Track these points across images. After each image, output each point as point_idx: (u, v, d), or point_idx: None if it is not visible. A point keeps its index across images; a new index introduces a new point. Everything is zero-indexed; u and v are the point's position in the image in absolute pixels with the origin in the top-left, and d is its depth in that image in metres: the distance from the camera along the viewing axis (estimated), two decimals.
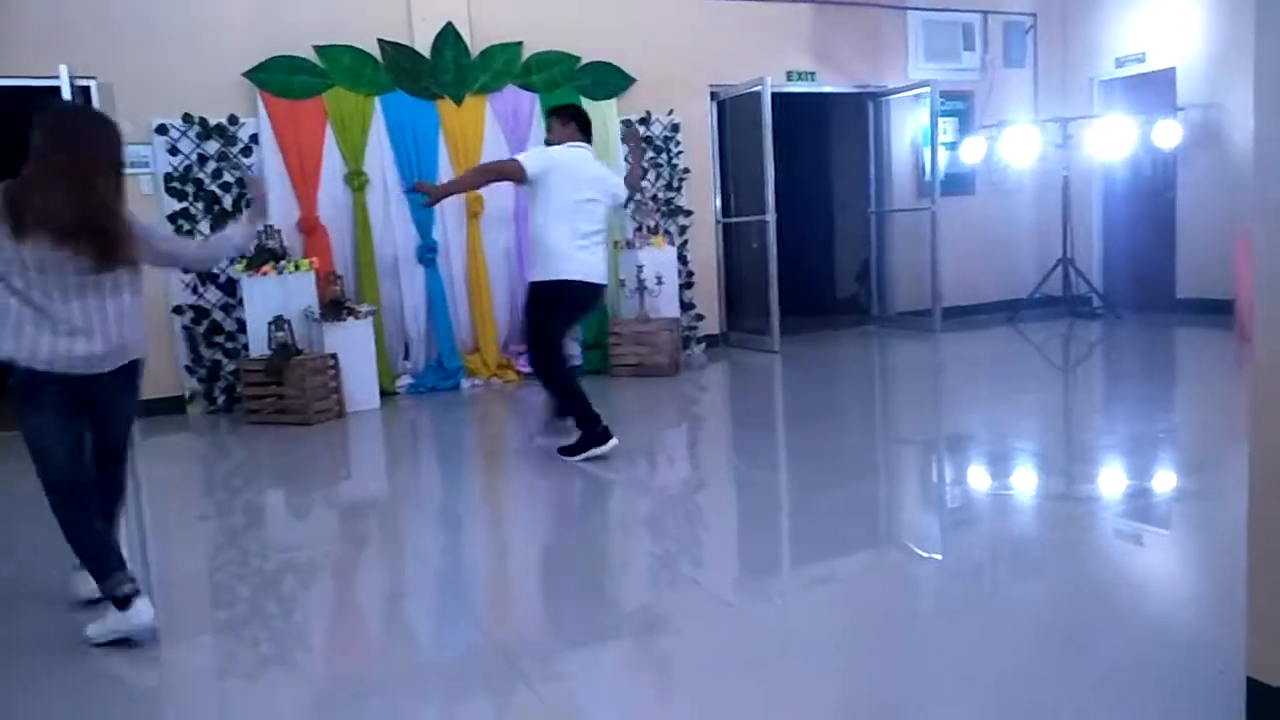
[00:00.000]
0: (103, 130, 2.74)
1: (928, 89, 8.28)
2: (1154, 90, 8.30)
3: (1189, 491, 3.78)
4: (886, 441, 5.07)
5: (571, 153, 4.42)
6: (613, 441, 4.45)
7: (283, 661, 2.64)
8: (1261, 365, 1.78)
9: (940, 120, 8.48)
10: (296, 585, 3.22)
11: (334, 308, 6.04)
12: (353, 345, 6.03)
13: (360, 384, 6.05)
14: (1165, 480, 3.99)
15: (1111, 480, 3.96)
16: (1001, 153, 8.71)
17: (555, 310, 4.42)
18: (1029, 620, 2.59)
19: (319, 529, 4.00)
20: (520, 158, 4.38)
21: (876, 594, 2.89)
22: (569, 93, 7.04)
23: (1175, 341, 7.51)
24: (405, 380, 6.63)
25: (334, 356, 5.91)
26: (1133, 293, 8.69)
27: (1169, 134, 8.00)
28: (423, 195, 4.38)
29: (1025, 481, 4.04)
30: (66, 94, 5.40)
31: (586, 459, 4.44)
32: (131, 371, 2.85)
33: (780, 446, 5.04)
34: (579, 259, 4.33)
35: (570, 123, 4.54)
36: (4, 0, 5.69)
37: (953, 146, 8.83)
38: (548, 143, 4.57)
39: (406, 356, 6.73)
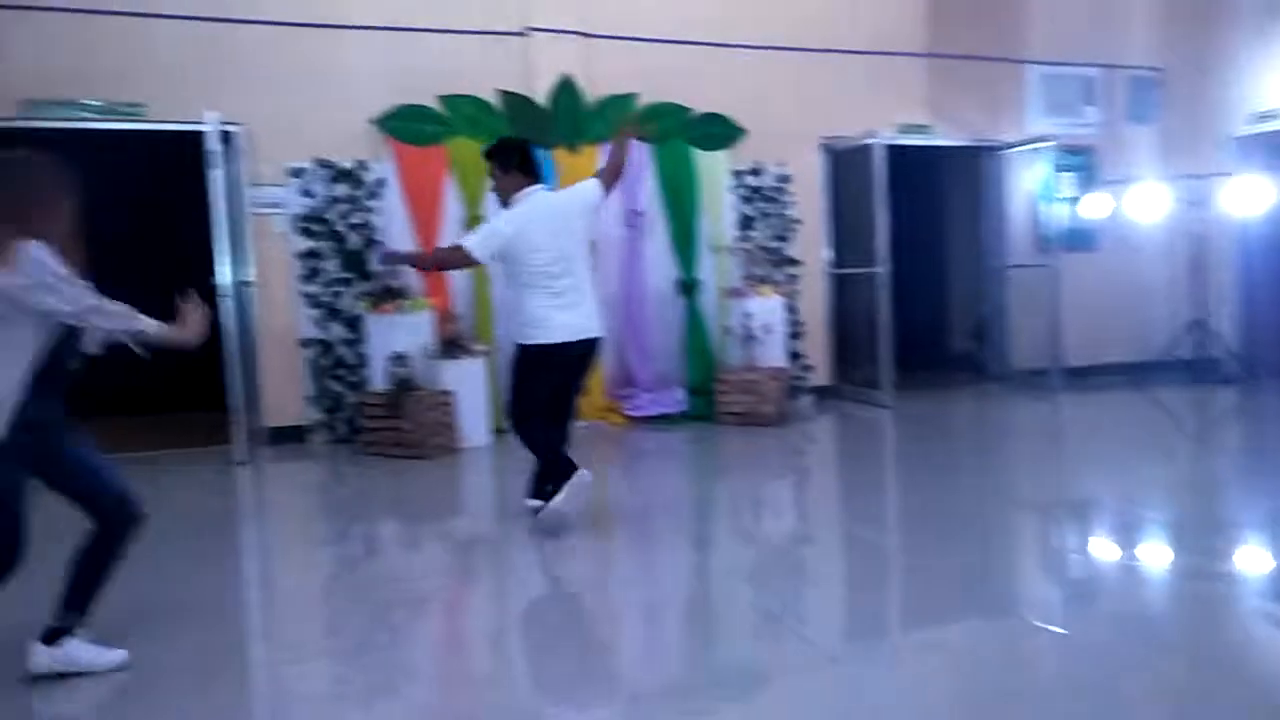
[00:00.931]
0: None
1: (1047, 143, 8.08)
2: None
3: None
4: (1004, 504, 4.88)
5: (525, 209, 4.03)
6: (583, 472, 4.04)
7: (389, 690, 2.69)
8: None
9: (1060, 175, 8.25)
10: (406, 615, 3.29)
11: (451, 346, 6.22)
12: (467, 383, 6.19)
13: (474, 421, 6.20)
14: None
15: (1252, 558, 3.72)
16: (1127, 209, 8.41)
17: (537, 372, 4.06)
18: (1157, 706, 2.44)
19: (430, 561, 4.08)
20: (468, 243, 4.02)
21: (991, 664, 2.77)
22: (680, 143, 7.15)
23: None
24: None
25: (449, 393, 6.07)
26: (1272, 357, 8.20)
27: None
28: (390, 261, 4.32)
29: (1156, 554, 3.83)
30: (214, 139, 5.76)
31: (566, 499, 4.01)
32: None
33: (890, 504, 4.91)
34: (559, 321, 3.98)
35: (511, 169, 4.09)
36: (159, 52, 6.14)
37: (1073, 202, 8.57)
38: (499, 197, 4.16)
39: None
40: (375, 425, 6.00)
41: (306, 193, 6.45)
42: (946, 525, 4.22)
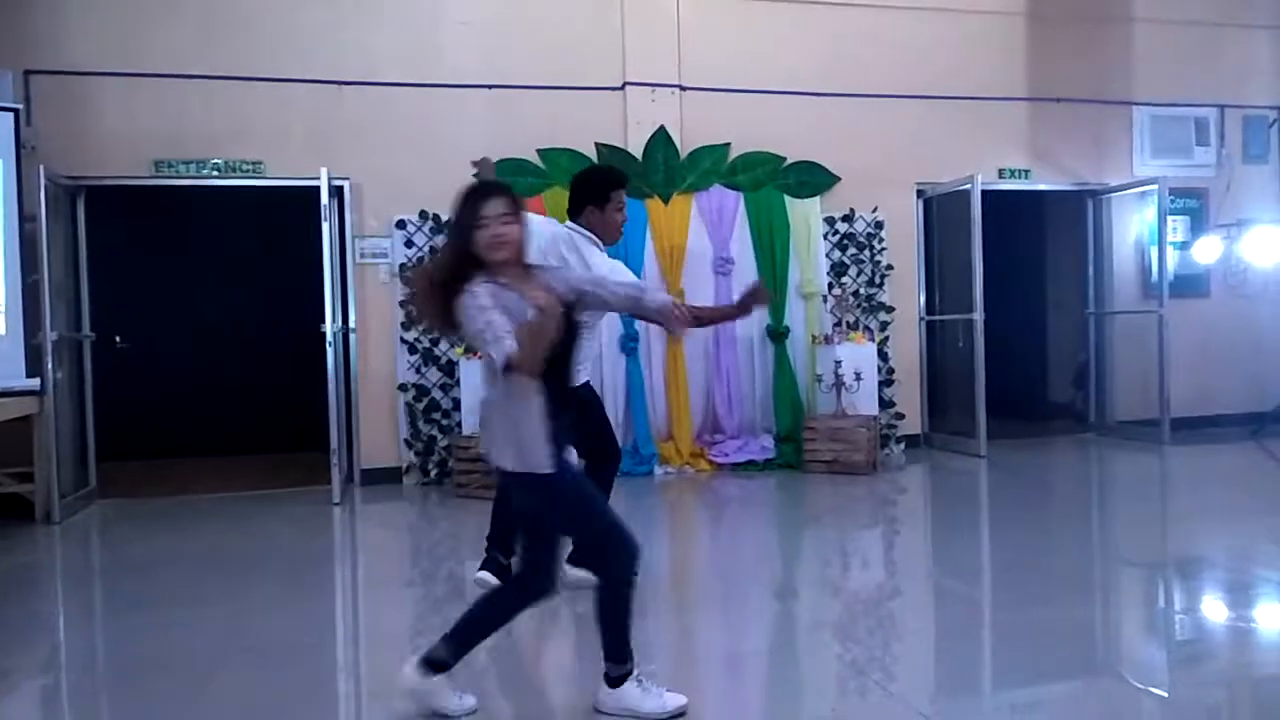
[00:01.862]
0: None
1: (1154, 186, 7.83)
2: None
3: None
4: (1105, 560, 4.68)
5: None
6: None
7: None
8: None
9: (1169, 219, 7.96)
10: (486, 658, 3.34)
11: None
12: None
13: None
14: None
15: None
16: (1242, 253, 8.05)
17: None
18: None
19: None
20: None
21: None
22: (772, 191, 7.20)
23: None
24: None
25: None
26: None
27: None
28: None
29: (1266, 615, 3.61)
30: (324, 193, 6.08)
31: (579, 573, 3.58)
32: None
33: (984, 557, 4.76)
34: None
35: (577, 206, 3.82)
36: (276, 113, 6.54)
37: (1183, 246, 8.25)
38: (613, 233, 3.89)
39: None
40: (465, 468, 6.14)
41: (409, 243, 6.72)
42: (1042, 580, 4.07)
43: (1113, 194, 8.26)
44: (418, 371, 6.70)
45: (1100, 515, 5.88)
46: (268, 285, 8.31)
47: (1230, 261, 8.20)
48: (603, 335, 6.88)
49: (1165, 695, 2.92)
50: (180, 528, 5.58)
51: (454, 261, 2.58)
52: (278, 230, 7.71)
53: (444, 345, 6.68)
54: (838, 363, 6.83)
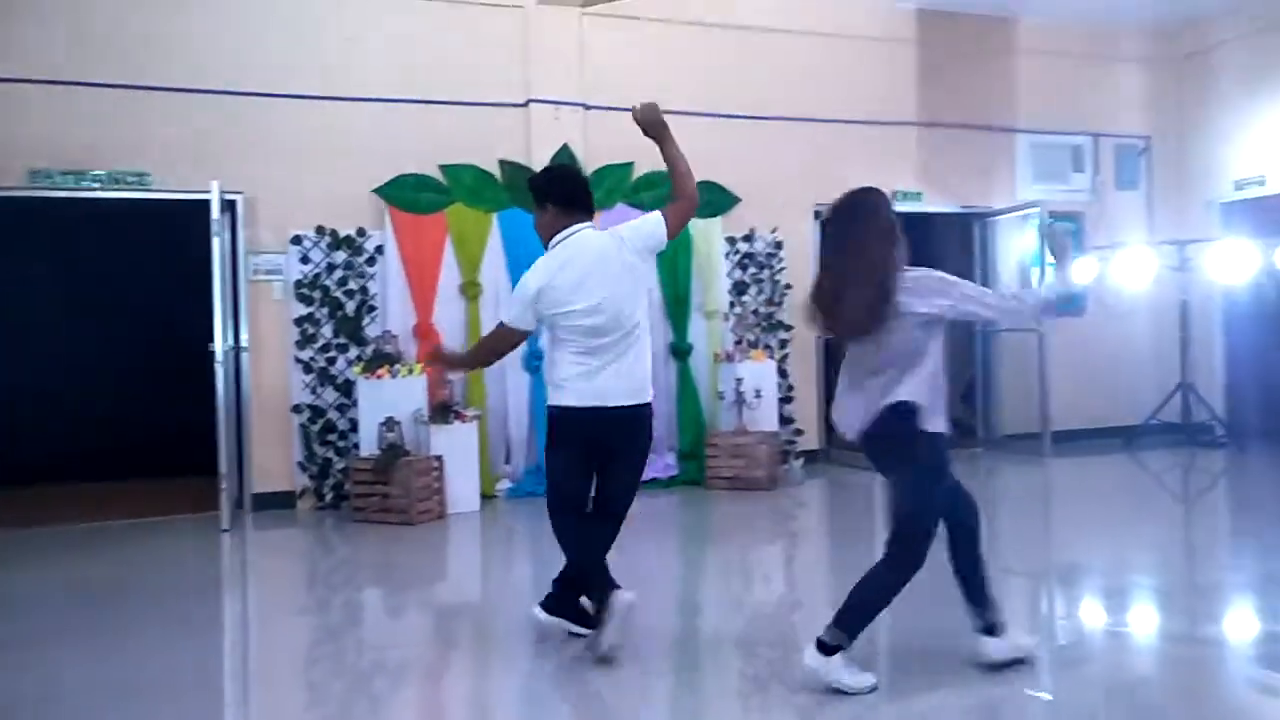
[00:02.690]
0: None
1: (1036, 210, 8.23)
2: (1277, 214, 8.03)
3: None
4: (994, 570, 4.85)
5: (558, 254, 3.42)
6: (621, 593, 3.34)
7: None
8: None
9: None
10: (387, 686, 3.26)
11: (442, 411, 6.25)
12: (457, 448, 6.20)
13: (463, 486, 6.20)
14: None
15: (1240, 623, 3.70)
16: (1114, 275, 8.52)
17: (557, 443, 3.47)
18: None
19: (413, 630, 4.05)
20: (506, 318, 3.49)
21: None
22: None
23: None
24: (505, 484, 6.75)
25: (439, 458, 6.08)
26: (1258, 421, 8.22)
27: None
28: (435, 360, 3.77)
29: (1143, 619, 3.81)
30: (216, 207, 5.87)
31: (552, 620, 3.54)
32: None
33: None
34: (582, 385, 3.35)
35: (546, 205, 3.52)
36: (164, 123, 6.29)
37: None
38: (541, 239, 3.59)
39: (508, 461, 6.87)
40: (363, 491, 5.99)
41: (305, 259, 6.55)
42: (934, 590, 4.20)
43: (997, 217, 8.65)
44: (313, 392, 6.52)
45: (988, 526, 6.11)
46: (155, 302, 7.96)
47: (1103, 282, 8.67)
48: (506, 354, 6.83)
49: (1048, 698, 3.05)
50: (49, 560, 5.25)
51: (891, 256, 2.98)
52: (166, 245, 7.40)
53: (341, 364, 6.52)
54: (739, 380, 6.94)
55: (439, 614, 4.29)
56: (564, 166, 3.92)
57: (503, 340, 3.55)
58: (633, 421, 3.41)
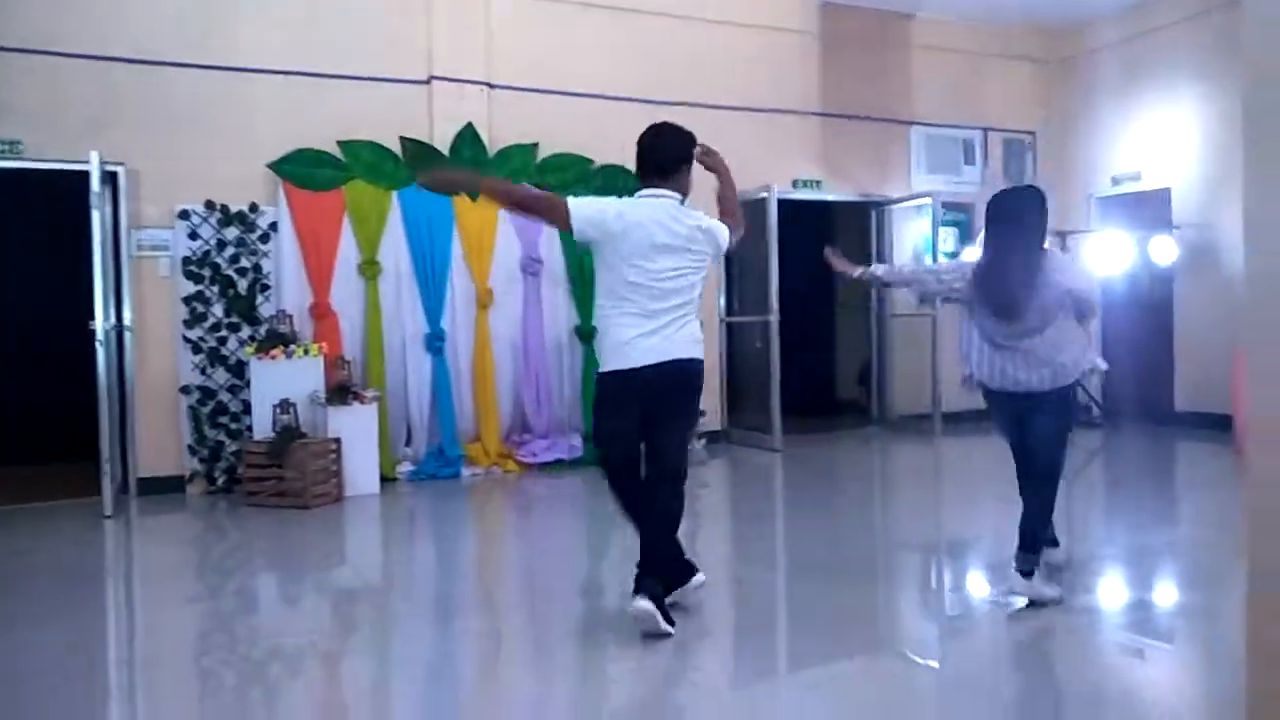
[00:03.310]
0: None
1: (929, 200, 8.51)
2: (1150, 208, 8.51)
3: (1190, 607, 3.75)
4: (886, 546, 5.04)
5: (640, 206, 3.42)
6: (699, 576, 3.57)
7: None
8: (1254, 486, 1.81)
9: (941, 230, 8.68)
10: (283, 673, 3.18)
11: (340, 392, 6.10)
12: (356, 430, 6.07)
13: (361, 469, 6.07)
14: (1166, 594, 3.96)
15: (1111, 592, 3.93)
16: None
17: (606, 406, 3.42)
18: None
19: (308, 616, 3.96)
20: (572, 201, 3.36)
21: (870, 700, 2.85)
22: (581, 192, 7.24)
23: (1175, 454, 7.51)
24: (406, 467, 6.63)
25: (336, 441, 5.94)
26: (1132, 404, 8.72)
27: (1165, 250, 8.17)
28: (432, 187, 3.56)
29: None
30: (95, 179, 5.57)
31: (646, 611, 3.22)
32: None
33: (780, 546, 5.01)
34: (644, 345, 3.30)
35: (636, 167, 3.53)
36: (43, 89, 5.93)
37: (953, 256, 9.01)
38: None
39: (408, 443, 6.75)
40: (257, 474, 5.81)
41: (194, 235, 6.28)
42: (832, 566, 4.33)
43: (893, 205, 8.91)
44: (203, 372, 6.27)
45: (879, 504, 6.33)
46: (32, 279, 7.52)
47: None
48: (406, 331, 6.71)
49: (937, 666, 3.18)
50: None
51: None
52: (43, 219, 6.99)
53: (233, 344, 6.29)
54: None
55: (336, 599, 4.20)
56: (651, 135, 3.72)
57: (548, 204, 3.43)
58: (683, 373, 3.38)
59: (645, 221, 3.33)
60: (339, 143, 6.59)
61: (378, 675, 3.20)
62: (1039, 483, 3.69)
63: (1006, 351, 3.58)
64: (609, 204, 3.42)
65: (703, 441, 7.76)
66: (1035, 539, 3.59)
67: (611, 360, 3.37)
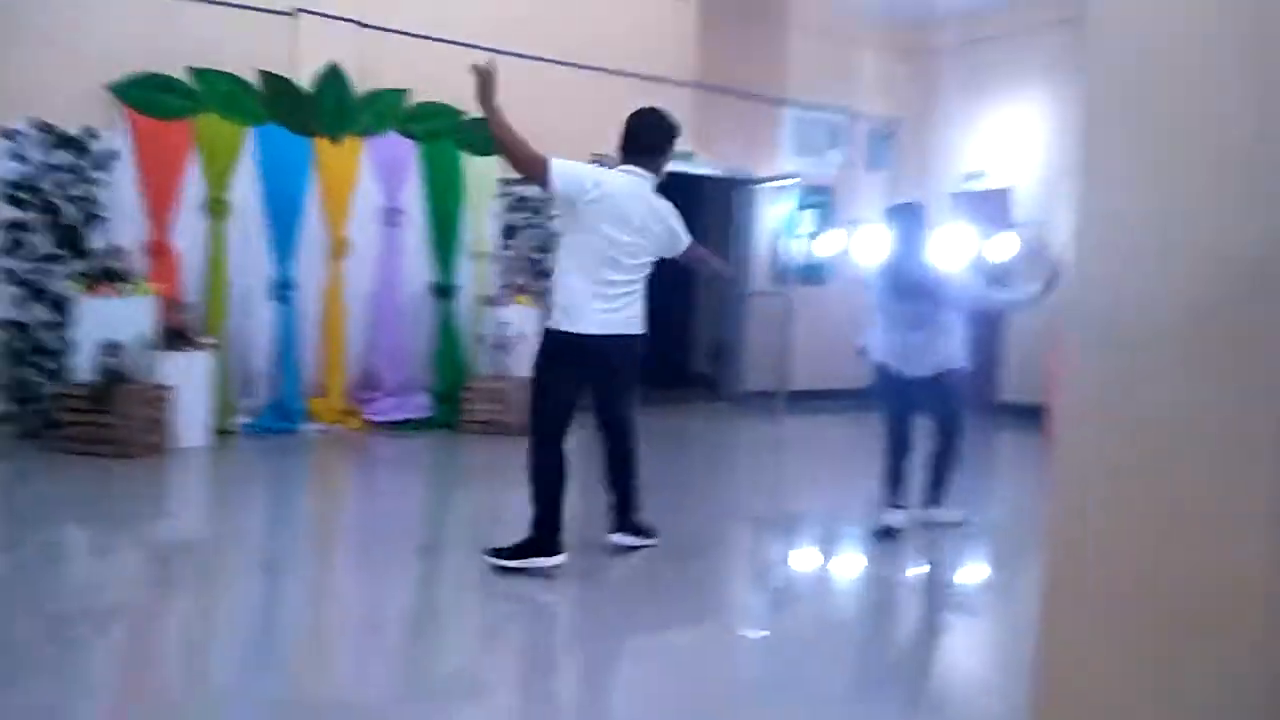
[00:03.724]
0: None
1: (793, 181, 8.70)
2: (995, 206, 8.99)
3: (992, 584, 4.03)
4: (724, 517, 5.18)
5: (620, 178, 3.63)
6: (560, 557, 3.64)
7: (65, 715, 2.45)
8: (1059, 473, 1.90)
9: (803, 212, 8.90)
10: (89, 631, 3.00)
11: (174, 336, 5.76)
12: (189, 378, 5.74)
13: (192, 419, 5.75)
14: (970, 573, 4.24)
15: (930, 566, 4.18)
16: (852, 249, 9.19)
17: (553, 361, 3.63)
18: (850, 693, 2.69)
19: (118, 571, 3.75)
20: (554, 161, 3.48)
21: (702, 667, 2.94)
22: (449, 144, 7.06)
23: (994, 442, 8.00)
24: (243, 419, 6.33)
25: (167, 388, 5.61)
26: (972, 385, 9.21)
27: (1006, 247, 8.65)
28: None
29: (852, 564, 4.20)
30: None
31: (521, 567, 3.54)
32: None
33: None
34: (599, 316, 3.54)
35: (620, 142, 3.79)
36: None
37: (812, 238, 9.26)
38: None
39: (248, 394, 6.45)
40: (75, 419, 5.43)
41: (20, 157, 5.76)
42: (671, 537, 4.42)
43: (760, 184, 9.07)
44: (20, 306, 5.79)
45: (722, 477, 6.50)
46: None
47: (847, 255, 9.33)
48: (253, 276, 6.40)
49: (767, 634, 3.31)
50: None
51: None
52: None
53: (58, 278, 5.83)
54: (502, 324, 6.89)
55: (154, 553, 3.99)
56: (643, 114, 4.05)
57: (527, 157, 3.48)
58: (624, 349, 3.66)
59: (620, 195, 3.52)
60: (191, 70, 6.17)
61: (192, 633, 3.07)
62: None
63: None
64: (588, 170, 3.57)
65: None
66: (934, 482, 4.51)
67: (564, 321, 3.54)
